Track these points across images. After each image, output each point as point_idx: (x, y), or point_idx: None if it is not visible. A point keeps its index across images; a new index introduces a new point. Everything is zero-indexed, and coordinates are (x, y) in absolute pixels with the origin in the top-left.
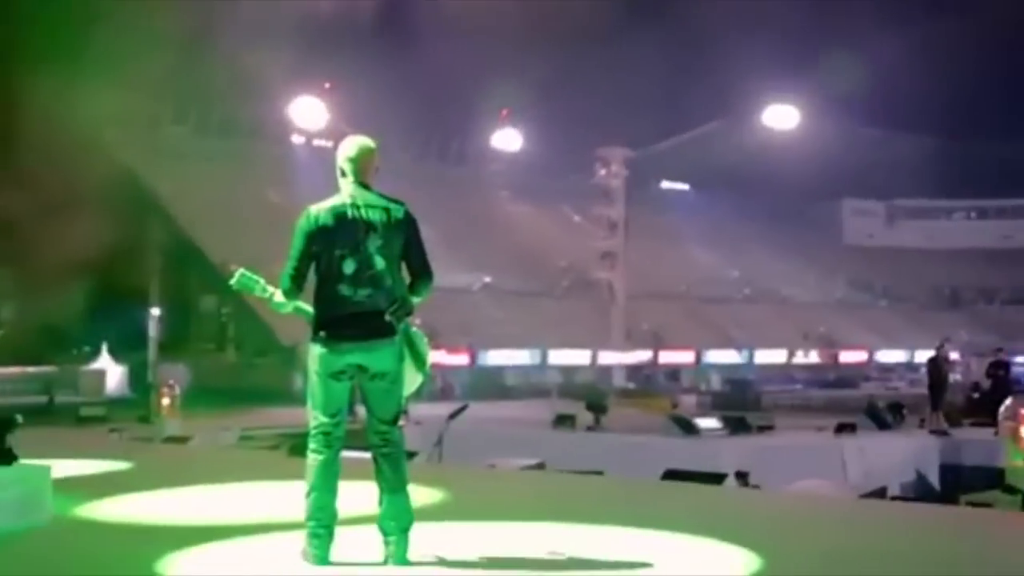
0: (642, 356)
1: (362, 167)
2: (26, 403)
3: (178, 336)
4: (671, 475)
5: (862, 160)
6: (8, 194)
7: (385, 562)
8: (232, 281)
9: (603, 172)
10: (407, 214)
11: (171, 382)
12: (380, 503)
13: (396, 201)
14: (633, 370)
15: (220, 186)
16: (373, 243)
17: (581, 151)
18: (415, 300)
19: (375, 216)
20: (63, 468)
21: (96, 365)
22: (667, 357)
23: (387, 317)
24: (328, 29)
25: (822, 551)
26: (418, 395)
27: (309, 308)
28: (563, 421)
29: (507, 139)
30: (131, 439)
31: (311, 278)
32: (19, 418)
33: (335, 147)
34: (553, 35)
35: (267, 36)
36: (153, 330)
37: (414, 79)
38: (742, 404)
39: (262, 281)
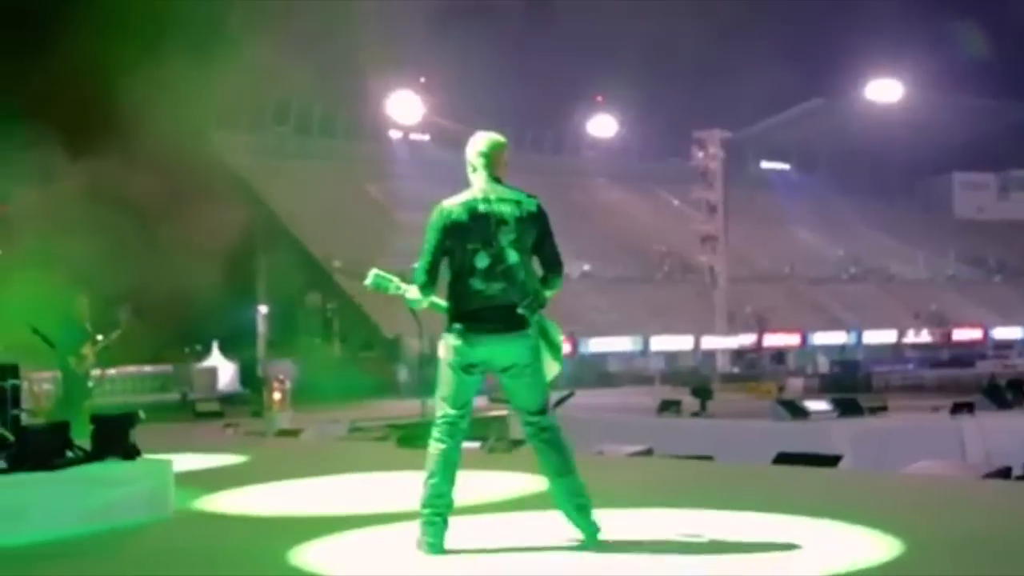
0: (746, 340)
1: (494, 161)
2: (147, 401)
3: (285, 332)
4: (783, 458)
5: (971, 131)
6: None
7: (581, 545)
8: (367, 281)
9: (700, 155)
10: (539, 207)
11: (281, 377)
12: (552, 491)
13: (528, 195)
14: (737, 354)
15: (321, 184)
16: (506, 237)
17: (678, 134)
18: (547, 293)
19: (507, 210)
20: (182, 462)
21: (208, 363)
22: (772, 340)
23: (520, 310)
24: (420, 21)
25: (957, 532)
26: (553, 386)
27: (443, 302)
28: (668, 407)
29: (602, 125)
30: (245, 433)
31: (444, 273)
32: (142, 414)
33: (432, 141)
34: (646, 17)
35: (360, 31)
36: (261, 327)
37: (507, 69)
38: (851, 386)
39: (396, 279)
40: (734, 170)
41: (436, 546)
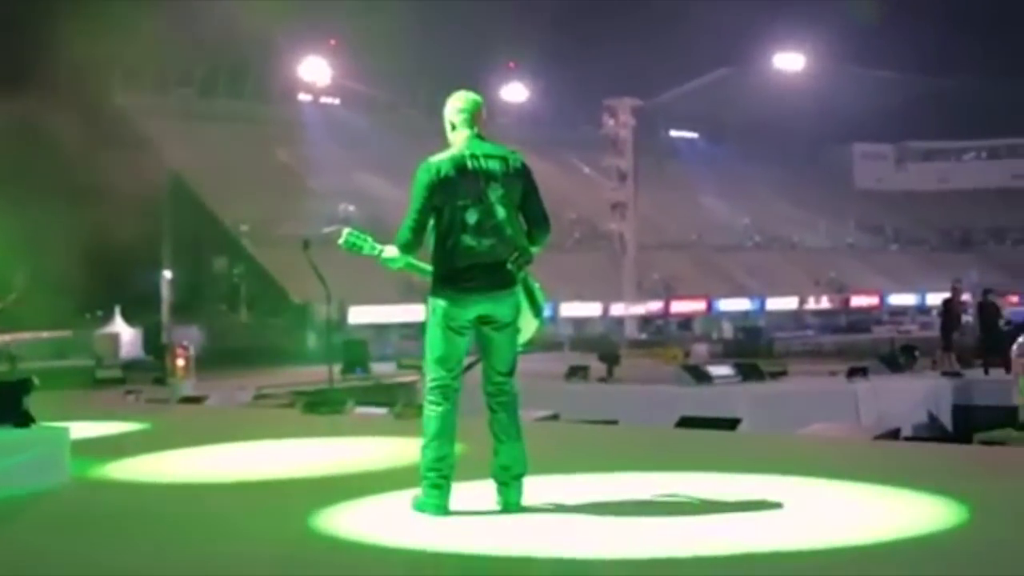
0: (653, 307)
1: (475, 118)
2: (42, 367)
3: (191, 298)
4: (685, 422)
5: (871, 103)
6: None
7: (501, 510)
8: (340, 240)
9: (611, 122)
10: (524, 163)
11: (185, 343)
12: (495, 452)
13: (512, 151)
14: (645, 321)
15: (229, 147)
16: (494, 192)
17: (589, 102)
18: (534, 250)
19: (494, 166)
20: (80, 430)
21: (110, 329)
22: (678, 307)
23: (509, 266)
24: None
25: (839, 490)
26: (535, 344)
27: (422, 264)
28: (576, 373)
29: (514, 92)
30: (147, 400)
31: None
32: (35, 380)
33: (342, 105)
34: None
35: None
36: (166, 293)
37: (417, 34)
38: (754, 351)
39: (370, 239)
40: (644, 138)
41: (442, 507)
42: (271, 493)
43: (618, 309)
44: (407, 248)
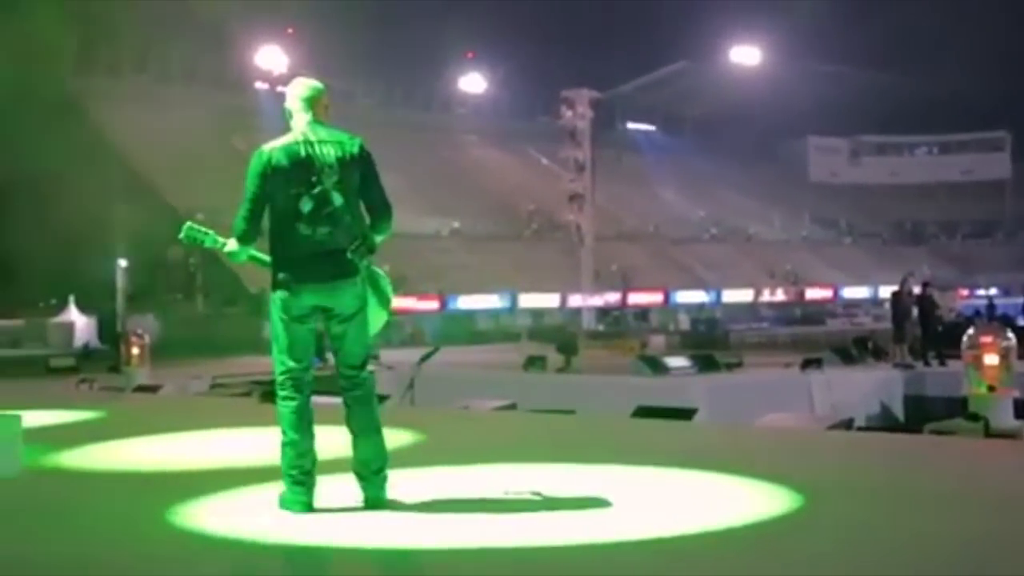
0: (611, 298)
1: (314, 104)
2: None
3: (146, 287)
4: (641, 412)
5: (825, 97)
6: None
7: (364, 506)
8: (180, 235)
9: (569, 114)
10: (362, 148)
11: (140, 331)
12: (353, 447)
13: (351, 136)
14: (602, 312)
15: (184, 135)
16: (329, 179)
17: (547, 93)
18: (377, 238)
19: (330, 151)
20: (33, 418)
21: (64, 317)
22: (636, 298)
23: (349, 255)
24: None
25: (794, 479)
26: (387, 336)
27: (263, 256)
28: (534, 363)
29: (473, 82)
30: (101, 389)
31: (266, 223)
32: None
33: None
34: None
35: None
36: (120, 281)
37: (376, 23)
38: (710, 343)
39: (212, 232)
40: (602, 130)
41: (306, 504)
42: (224, 481)
43: (576, 300)
44: (243, 239)
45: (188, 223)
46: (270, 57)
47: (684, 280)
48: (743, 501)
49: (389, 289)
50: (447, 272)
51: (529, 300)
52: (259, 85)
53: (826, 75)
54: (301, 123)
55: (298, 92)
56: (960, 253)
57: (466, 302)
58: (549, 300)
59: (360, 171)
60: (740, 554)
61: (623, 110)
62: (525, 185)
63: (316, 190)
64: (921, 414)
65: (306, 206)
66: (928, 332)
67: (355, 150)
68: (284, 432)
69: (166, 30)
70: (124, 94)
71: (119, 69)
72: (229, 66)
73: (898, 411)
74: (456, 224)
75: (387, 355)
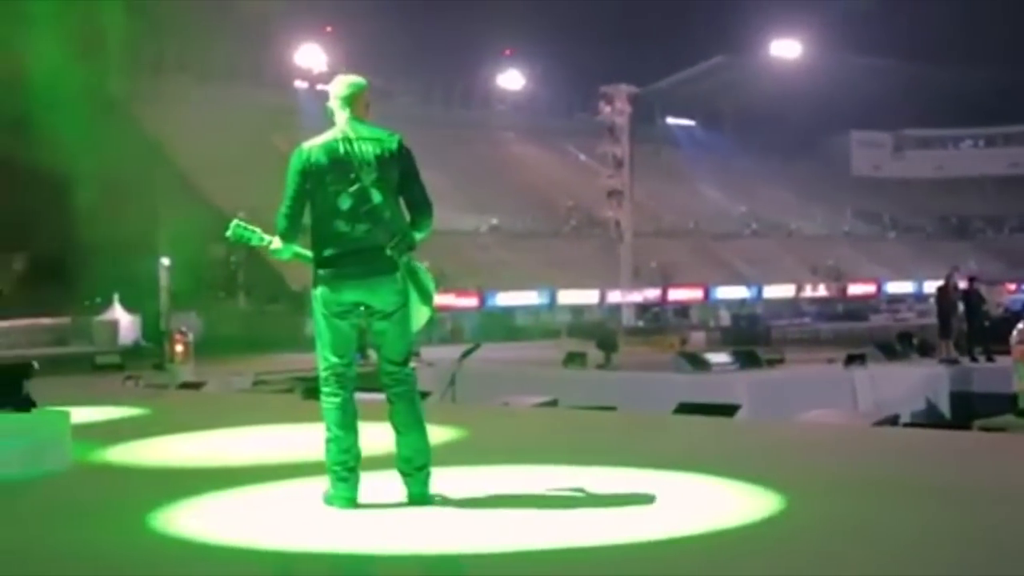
0: (650, 294)
1: (354, 102)
2: (41, 354)
3: (188, 285)
4: (683, 408)
5: (868, 91)
6: (11, 141)
7: (407, 502)
8: (228, 232)
9: (607, 110)
10: (401, 145)
11: (183, 329)
12: (396, 444)
13: (390, 133)
14: (642, 308)
15: (224, 134)
16: (368, 176)
17: (585, 89)
18: (417, 235)
19: (369, 149)
20: (80, 415)
21: (108, 315)
22: (675, 295)
23: (388, 252)
24: None
25: (840, 479)
26: (428, 334)
27: (307, 253)
28: (574, 359)
29: (511, 79)
30: (146, 386)
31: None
32: (35, 364)
33: None
34: None
35: None
36: (164, 279)
37: (414, 21)
38: (751, 339)
39: (259, 230)
40: (640, 126)
41: (350, 500)
42: (268, 476)
43: (615, 296)
44: (285, 236)
45: (235, 221)
46: (309, 56)
47: (725, 276)
48: (798, 502)
49: (431, 285)
50: (486, 269)
51: (568, 297)
52: (299, 84)
53: (868, 68)
54: (341, 121)
55: (337, 91)
56: (1007, 247)
57: (505, 299)
58: (588, 296)
59: (399, 168)
60: (794, 555)
61: (662, 105)
62: (564, 181)
63: (355, 187)
64: (968, 411)
65: (345, 203)
66: (974, 327)
67: (394, 147)
68: (328, 428)
69: (206, 29)
70: (166, 93)
71: (161, 68)
72: (269, 65)
73: (944, 408)
74: (495, 221)
75: (427, 352)
